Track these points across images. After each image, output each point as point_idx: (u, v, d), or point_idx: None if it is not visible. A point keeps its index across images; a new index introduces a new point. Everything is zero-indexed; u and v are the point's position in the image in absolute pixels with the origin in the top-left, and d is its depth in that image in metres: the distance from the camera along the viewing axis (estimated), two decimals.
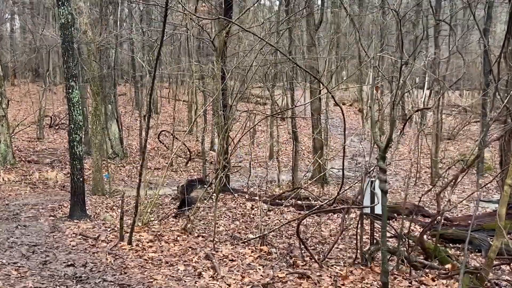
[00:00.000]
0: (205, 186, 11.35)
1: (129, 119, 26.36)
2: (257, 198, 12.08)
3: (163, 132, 21.50)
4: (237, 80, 15.33)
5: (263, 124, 23.40)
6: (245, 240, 8.48)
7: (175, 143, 19.83)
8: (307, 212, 8.57)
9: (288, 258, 7.46)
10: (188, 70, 22.63)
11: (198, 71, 17.05)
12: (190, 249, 7.83)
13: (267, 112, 17.28)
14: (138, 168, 18.53)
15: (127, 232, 8.28)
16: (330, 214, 10.90)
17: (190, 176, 17.10)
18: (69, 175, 16.43)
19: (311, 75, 9.97)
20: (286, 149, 22.40)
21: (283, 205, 10.96)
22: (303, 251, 7.53)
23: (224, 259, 7.29)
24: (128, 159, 19.87)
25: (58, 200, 12.88)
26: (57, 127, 25.66)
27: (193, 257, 7.32)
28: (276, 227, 9.12)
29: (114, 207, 12.18)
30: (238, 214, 10.79)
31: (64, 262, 6.97)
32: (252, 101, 27.21)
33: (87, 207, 10.65)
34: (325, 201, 9.14)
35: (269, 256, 7.51)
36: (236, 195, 12.46)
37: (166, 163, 18.95)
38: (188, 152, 19.31)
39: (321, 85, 13.42)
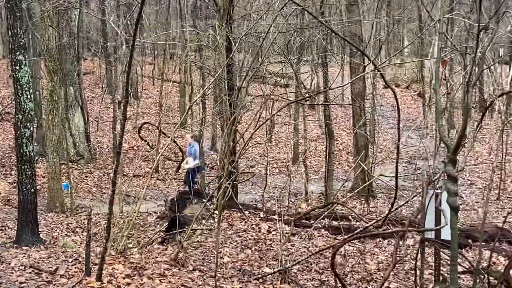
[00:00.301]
0: (203, 200, 11.37)
1: (99, 107, 26.55)
2: (275, 217, 12.06)
3: (145, 125, 21.63)
4: (248, 53, 15.34)
5: (284, 114, 23.42)
6: (259, 276, 8.47)
7: (162, 141, 19.90)
8: (346, 237, 8.53)
9: None
10: (180, 38, 22.71)
11: (194, 40, 17.08)
12: (182, 287, 7.84)
13: (290, 98, 17.28)
14: (111, 175, 18.78)
15: (96, 264, 8.31)
16: (378, 240, 10.84)
17: (182, 186, 17.17)
18: (15, 184, 16.71)
19: (352, 45, 9.92)
20: (316, 149, 22.38)
21: (313, 227, 10.93)
22: None
23: None
24: (97, 162, 20.02)
25: (0, 219, 13.02)
26: None
27: None
28: (303, 258, 9.10)
29: (77, 229, 12.30)
30: (250, 239, 10.79)
31: None
32: (269, 82, 27.26)
33: (40, 229, 10.75)
34: (372, 222, 9.09)
35: None
36: (247, 212, 12.46)
37: (150, 168, 19.08)
38: (180, 153, 19.39)
39: (366, 59, 13.37)
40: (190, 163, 14.27)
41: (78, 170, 18.49)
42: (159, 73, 33.34)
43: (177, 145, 18.78)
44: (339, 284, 7.53)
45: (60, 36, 17.21)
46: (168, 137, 18.97)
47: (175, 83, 31.50)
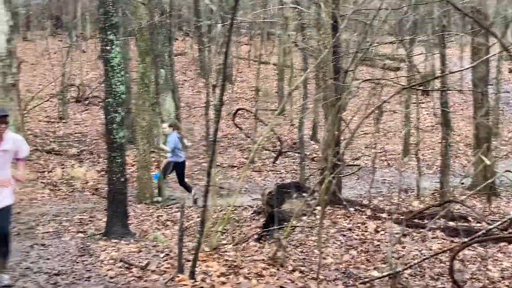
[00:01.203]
0: (304, 194, 11.39)
1: (190, 91, 27.07)
2: (384, 215, 11.94)
3: (240, 112, 21.85)
4: (356, 32, 15.21)
5: (394, 100, 23.09)
6: (366, 280, 8.42)
7: (259, 129, 20.08)
8: (465, 240, 8.36)
9: None
10: (280, 17, 22.79)
11: (296, 19, 17.10)
12: None
13: (402, 82, 17.02)
14: (203, 164, 19.15)
15: (188, 261, 8.50)
16: (502, 245, 10.54)
17: (280, 178, 17.28)
18: (103, 173, 17.32)
19: (476, 21, 9.67)
20: (431, 141, 21.96)
21: (427, 228, 10.76)
22: None
23: None
24: (188, 151, 20.41)
25: (88, 209, 13.53)
26: (87, 102, 26.86)
27: None
28: (415, 261, 8.98)
29: (168, 222, 12.60)
30: (355, 239, 10.74)
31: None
32: (377, 64, 26.97)
33: (129, 221, 11.09)
34: (495, 224, 8.86)
35: None
36: (352, 209, 12.40)
37: (245, 159, 19.30)
38: (278, 143, 19.49)
39: (491, 39, 12.97)
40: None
41: (168, 159, 18.90)
42: (256, 55, 33.69)
43: (275, 134, 18.88)
44: None
45: (152, 14, 17.64)
46: (266, 125, 19.10)
47: (273, 66, 31.70)
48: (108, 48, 10.21)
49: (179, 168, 14.83)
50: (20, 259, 9.10)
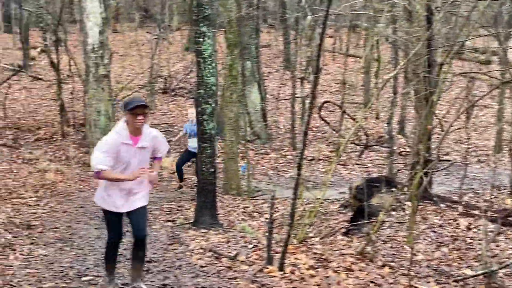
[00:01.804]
0: (393, 189, 11.24)
1: (275, 83, 27.08)
2: (476, 212, 11.65)
3: (326, 104, 21.72)
4: (450, 25, 14.86)
5: (487, 95, 22.50)
6: (459, 278, 8.25)
7: (345, 122, 19.92)
8: None
9: None
10: (366, 8, 22.50)
11: (386, 11, 16.82)
12: (371, 284, 7.83)
13: (495, 76, 16.54)
14: (288, 157, 19.17)
15: (277, 252, 8.52)
16: None
17: (366, 173, 17.11)
18: (190, 163, 17.54)
19: None
20: None
21: None
22: None
23: None
24: (273, 143, 20.45)
25: (175, 198, 13.74)
26: (173, 93, 27.25)
27: None
28: (511, 260, 8.73)
29: (254, 214, 12.67)
30: (447, 236, 10.52)
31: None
32: (468, 58, 26.36)
33: (217, 212, 11.19)
34: None
35: None
36: (442, 205, 12.16)
37: (330, 152, 19.21)
38: (364, 136, 19.30)
39: None
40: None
41: (254, 151, 18.99)
42: (342, 47, 33.45)
43: (362, 127, 18.70)
44: None
45: (240, 6, 17.72)
46: (352, 118, 18.93)
47: (358, 59, 31.41)
48: (200, 40, 10.31)
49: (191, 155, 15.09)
50: None
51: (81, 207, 12.18)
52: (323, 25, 7.69)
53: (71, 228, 10.40)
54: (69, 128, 20.03)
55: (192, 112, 13.84)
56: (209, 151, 10.55)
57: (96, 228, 10.49)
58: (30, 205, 11.80)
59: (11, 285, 6.74)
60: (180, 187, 15.27)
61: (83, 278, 7.46)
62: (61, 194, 13.20)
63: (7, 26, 38.33)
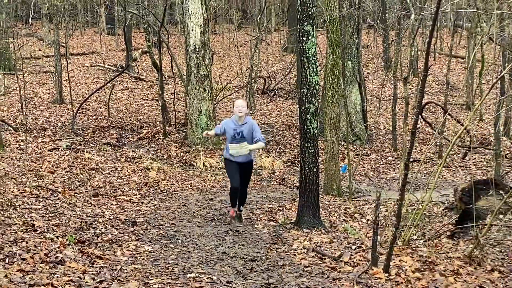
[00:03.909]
0: (501, 192, 10.92)
1: (374, 84, 26.82)
2: None
3: (428, 105, 21.37)
4: None
5: None
6: None
7: (448, 124, 19.52)
8: None
9: None
10: (470, 6, 21.99)
11: (493, 9, 16.39)
12: None
13: None
14: (389, 158, 18.96)
15: (382, 254, 8.42)
16: None
17: (470, 175, 16.71)
18: (289, 163, 17.60)
19: None
20: None
21: None
22: None
23: None
24: (374, 144, 20.25)
25: (276, 198, 13.80)
26: (272, 94, 27.42)
27: None
28: None
29: (355, 215, 12.57)
30: None
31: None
32: None
33: (319, 212, 11.15)
34: None
35: None
36: None
37: (432, 154, 18.87)
38: (468, 138, 18.85)
39: None
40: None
41: (354, 151, 18.87)
42: (443, 47, 32.83)
43: (466, 129, 18.27)
44: None
45: (341, 5, 17.64)
46: (458, 121, 18.51)
47: (460, 60, 30.74)
48: (304, 38, 10.29)
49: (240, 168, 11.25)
50: (216, 244, 9.43)
51: (184, 205, 12.39)
52: (433, 22, 7.53)
53: (175, 225, 10.57)
54: (171, 127, 20.44)
55: (242, 105, 10.55)
56: (312, 150, 10.51)
57: (199, 226, 10.64)
58: (134, 202, 12.07)
59: (119, 280, 6.89)
60: (235, 216, 11.26)
61: (188, 275, 7.56)
62: (163, 192, 13.46)
63: (110, 28, 39.51)
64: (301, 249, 9.17)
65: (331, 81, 14.00)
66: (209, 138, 17.09)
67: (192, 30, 17.87)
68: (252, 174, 16.16)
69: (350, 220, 12.12)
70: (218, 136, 13.78)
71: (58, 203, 10.64)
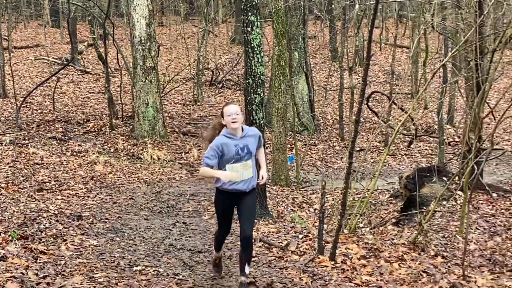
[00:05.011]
0: (444, 179, 11.12)
1: (321, 74, 26.98)
2: None
3: (374, 95, 21.60)
4: (498, 10, 14.59)
5: None
6: None
7: (393, 113, 19.76)
8: None
9: None
10: None
11: None
12: (424, 274, 7.76)
13: None
14: (336, 147, 19.11)
15: (328, 242, 8.50)
16: None
17: (415, 163, 16.96)
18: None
19: None
20: None
21: None
22: None
23: None
24: (321, 134, 20.39)
25: None
26: (220, 85, 27.36)
27: (431, 287, 7.24)
28: None
29: (303, 204, 12.65)
30: (500, 225, 10.36)
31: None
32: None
33: (267, 202, 11.18)
34: None
35: None
36: (494, 195, 11.98)
37: (378, 142, 19.08)
38: (413, 127, 19.12)
39: None
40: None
41: (301, 142, 18.95)
42: (388, 37, 33.18)
43: (411, 118, 18.54)
44: None
45: None
46: (401, 108, 18.76)
47: (404, 49, 31.14)
48: (248, 29, 10.29)
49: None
50: (163, 236, 9.40)
51: (131, 198, 12.30)
52: (374, 11, 7.62)
53: (121, 219, 10.50)
54: (118, 120, 20.24)
55: (236, 111, 7.08)
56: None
57: (146, 219, 10.58)
58: (80, 196, 11.94)
59: (63, 275, 6.81)
60: (217, 263, 7.84)
61: (134, 268, 7.52)
62: (110, 185, 13.34)
63: (54, 20, 38.90)
64: None
65: (277, 72, 14.02)
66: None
67: (138, 21, 17.71)
68: (201, 166, 16.16)
69: (297, 209, 12.20)
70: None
71: (0, 199, 10.46)
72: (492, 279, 7.63)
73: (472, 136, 10.56)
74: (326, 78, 26.23)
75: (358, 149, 18.13)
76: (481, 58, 10.68)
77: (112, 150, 17.11)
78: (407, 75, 26.02)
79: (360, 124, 21.22)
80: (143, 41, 17.70)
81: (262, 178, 7.35)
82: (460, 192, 10.92)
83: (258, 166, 7.40)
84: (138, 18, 17.69)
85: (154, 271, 7.45)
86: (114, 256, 8.05)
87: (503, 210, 11.10)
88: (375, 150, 18.63)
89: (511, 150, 16.96)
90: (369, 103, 20.97)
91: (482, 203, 11.46)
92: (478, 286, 7.34)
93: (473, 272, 7.93)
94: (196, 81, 24.92)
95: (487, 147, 11.46)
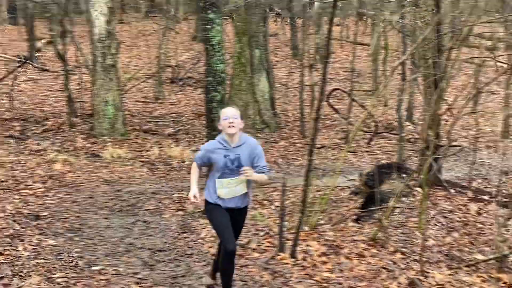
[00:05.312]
0: (404, 175, 11.23)
1: (283, 71, 27.02)
2: (486, 197, 11.64)
3: (335, 92, 21.68)
4: (454, 9, 14.80)
5: (493, 81, 22.43)
6: (470, 263, 8.25)
7: (354, 110, 19.88)
8: None
9: None
10: None
11: None
12: (383, 270, 7.86)
13: (501, 61, 16.43)
14: (298, 145, 19.12)
15: (288, 240, 8.53)
16: None
17: (376, 160, 17.07)
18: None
19: None
20: None
21: None
22: None
23: None
24: (283, 131, 20.41)
25: (186, 188, 13.70)
26: (181, 83, 27.21)
27: (390, 284, 7.34)
28: None
29: (264, 202, 12.65)
30: (457, 221, 10.53)
31: (202, 277, 7.43)
32: (473, 44, 26.27)
33: None
34: None
35: None
36: (452, 191, 12.15)
37: (339, 139, 19.18)
38: (374, 124, 19.25)
39: None
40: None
41: (262, 139, 18.95)
42: (349, 35, 33.38)
43: (371, 115, 18.67)
44: None
45: None
46: (361, 106, 18.90)
47: (365, 47, 31.34)
48: (208, 26, 10.30)
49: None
50: (123, 235, 9.35)
51: (90, 197, 12.19)
52: (333, 8, 7.66)
53: (80, 218, 10.42)
54: (77, 118, 20.02)
55: (233, 114, 6.55)
56: None
57: (105, 218, 10.51)
58: (38, 196, 11.80)
59: (20, 275, 6.75)
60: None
61: (93, 268, 7.49)
62: (69, 184, 13.21)
63: (12, 17, 38.33)
64: (209, 237, 9.19)
65: (238, 69, 14.06)
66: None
67: (97, 19, 17.54)
68: (162, 164, 16.11)
69: (259, 207, 12.19)
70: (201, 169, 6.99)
71: None
72: (449, 274, 7.76)
73: (430, 133, 10.68)
74: (287, 75, 26.24)
75: (319, 146, 18.20)
76: (438, 56, 10.82)
77: (71, 148, 16.91)
78: (367, 72, 26.21)
79: (321, 121, 21.32)
80: (102, 39, 17.55)
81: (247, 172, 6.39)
82: (419, 189, 11.06)
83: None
84: (97, 15, 17.53)
85: (113, 270, 7.42)
86: (73, 256, 7.99)
87: (460, 206, 11.27)
88: (336, 147, 18.69)
89: (469, 147, 17.15)
90: (330, 100, 21.07)
91: (440, 199, 11.61)
92: (436, 282, 7.46)
93: (431, 267, 8.05)
94: (157, 78, 24.78)
95: (445, 144, 11.65)
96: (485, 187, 13.37)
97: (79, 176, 14.07)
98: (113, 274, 7.24)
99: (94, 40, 17.76)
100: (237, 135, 6.42)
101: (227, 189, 6.40)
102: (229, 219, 6.54)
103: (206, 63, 10.51)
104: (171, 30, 30.90)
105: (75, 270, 7.30)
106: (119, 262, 7.90)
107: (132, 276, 7.28)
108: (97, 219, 10.42)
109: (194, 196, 6.51)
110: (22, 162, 14.49)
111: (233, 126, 6.33)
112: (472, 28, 13.99)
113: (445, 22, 12.20)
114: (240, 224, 6.80)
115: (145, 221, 10.28)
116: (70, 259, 7.80)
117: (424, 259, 8.24)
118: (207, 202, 6.63)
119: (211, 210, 6.61)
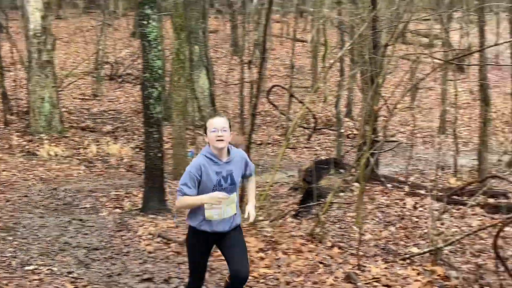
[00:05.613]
0: (341, 171, 11.32)
1: (223, 68, 26.96)
2: (422, 192, 11.83)
3: (275, 89, 21.75)
4: (390, 6, 14.97)
5: (429, 77, 22.84)
6: (406, 256, 8.35)
7: (293, 106, 19.98)
8: (508, 216, 8.22)
9: (476, 286, 7.24)
10: None
11: None
12: (321, 265, 7.88)
13: (437, 57, 16.71)
14: None
15: None
16: None
17: (315, 156, 17.20)
18: (137, 150, 17.36)
19: None
20: (468, 118, 21.72)
21: (468, 205, 10.60)
22: (501, 277, 7.26)
23: (374, 283, 7.26)
24: None
25: (124, 185, 13.59)
26: (120, 80, 26.93)
27: (327, 278, 7.36)
28: (457, 237, 8.87)
29: None
30: (394, 215, 10.67)
31: (138, 276, 7.36)
32: (411, 41, 26.68)
33: (166, 197, 11.10)
34: None
35: (446, 283, 7.35)
36: (389, 186, 12.31)
37: (279, 136, 19.26)
38: (313, 120, 19.39)
39: None
40: None
41: (202, 136, 18.90)
42: (289, 32, 33.49)
43: (310, 111, 18.80)
44: (501, 268, 7.28)
45: None
46: (300, 102, 19.00)
47: (306, 43, 31.52)
48: (144, 22, 10.18)
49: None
50: (58, 234, 9.18)
51: (25, 196, 11.97)
52: (269, 5, 7.67)
53: (14, 217, 10.21)
54: (12, 116, 19.62)
55: (223, 126, 5.52)
56: (156, 135, 10.45)
57: (40, 217, 10.31)
58: None
59: None
60: None
61: (26, 268, 7.34)
62: (4, 183, 12.95)
63: None
64: (147, 235, 9.11)
65: (177, 66, 13.94)
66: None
67: (32, 14, 17.23)
68: (100, 161, 15.91)
69: None
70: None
71: None
72: (385, 267, 7.84)
73: (367, 128, 10.79)
74: (227, 72, 26.20)
75: (258, 142, 18.24)
76: (374, 52, 10.94)
77: (6, 146, 16.58)
78: (307, 69, 26.37)
79: (261, 118, 21.38)
80: (38, 35, 17.24)
81: (249, 215, 5.72)
82: (356, 184, 11.18)
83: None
84: (32, 10, 17.21)
85: (47, 270, 7.29)
86: (6, 256, 7.83)
87: (397, 201, 11.44)
88: (276, 144, 18.77)
89: (406, 142, 17.44)
90: (270, 97, 21.15)
91: (377, 194, 11.78)
92: (372, 275, 7.52)
93: (367, 261, 8.12)
94: (95, 75, 24.47)
95: (382, 140, 11.78)
96: (421, 182, 13.61)
97: (14, 174, 13.80)
98: (46, 274, 7.10)
99: (29, 36, 17.43)
100: (226, 149, 5.48)
101: (217, 210, 5.36)
102: (208, 255, 5.76)
103: (143, 60, 10.38)
104: (109, 26, 30.54)
105: (8, 270, 7.15)
106: (54, 261, 7.75)
107: (66, 275, 7.15)
108: (32, 218, 10.22)
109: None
110: None
111: (222, 140, 5.33)
112: (408, 24, 14.17)
113: (381, 18, 12.33)
114: (240, 241, 5.63)
115: (81, 220, 10.12)
116: (3, 259, 7.64)
117: (361, 253, 8.31)
118: (192, 230, 5.53)
119: (194, 239, 5.56)
